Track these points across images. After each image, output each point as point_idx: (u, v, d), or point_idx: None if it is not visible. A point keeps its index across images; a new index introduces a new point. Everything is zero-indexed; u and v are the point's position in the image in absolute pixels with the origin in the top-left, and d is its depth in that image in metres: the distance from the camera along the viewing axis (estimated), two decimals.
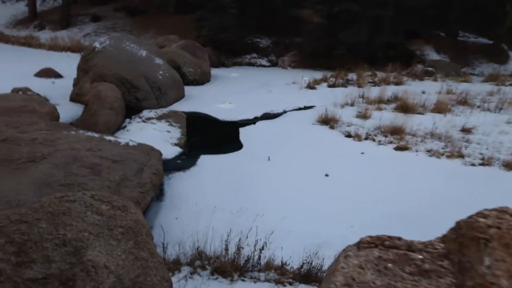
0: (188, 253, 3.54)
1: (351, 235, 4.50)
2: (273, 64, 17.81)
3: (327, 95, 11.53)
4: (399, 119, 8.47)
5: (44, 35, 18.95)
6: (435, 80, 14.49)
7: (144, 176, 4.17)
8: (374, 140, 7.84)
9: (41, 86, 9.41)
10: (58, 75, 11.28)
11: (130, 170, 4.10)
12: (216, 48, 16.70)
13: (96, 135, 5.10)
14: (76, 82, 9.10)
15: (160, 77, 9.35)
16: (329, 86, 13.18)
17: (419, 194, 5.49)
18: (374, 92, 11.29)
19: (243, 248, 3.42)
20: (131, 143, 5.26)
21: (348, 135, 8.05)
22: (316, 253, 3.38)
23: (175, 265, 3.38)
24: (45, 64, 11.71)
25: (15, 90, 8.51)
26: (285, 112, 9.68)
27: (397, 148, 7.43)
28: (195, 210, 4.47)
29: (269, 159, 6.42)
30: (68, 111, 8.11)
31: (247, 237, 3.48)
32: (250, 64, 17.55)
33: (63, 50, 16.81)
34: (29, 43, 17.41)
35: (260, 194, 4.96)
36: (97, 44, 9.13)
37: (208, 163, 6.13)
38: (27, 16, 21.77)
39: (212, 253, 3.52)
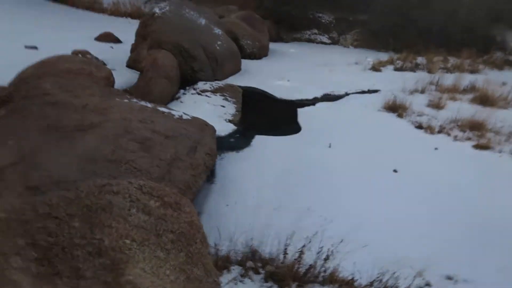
0: (239, 250, 3.11)
1: (427, 251, 3.85)
2: (334, 42, 16.75)
3: (394, 79, 10.57)
4: (480, 112, 7.45)
5: (107, 0, 19.11)
6: None
7: (197, 157, 3.75)
8: (449, 134, 6.94)
9: (100, 50, 9.33)
10: (117, 40, 11.20)
11: (182, 148, 3.70)
12: (276, 21, 15.93)
13: (149, 105, 4.76)
14: (134, 48, 8.89)
15: (218, 47, 8.89)
16: (396, 69, 12.15)
17: (507, 207, 4.65)
18: (447, 79, 10.18)
19: (303, 254, 2.92)
20: (184, 117, 4.87)
21: (419, 126, 7.20)
22: (394, 273, 2.81)
23: (224, 263, 2.96)
24: (105, 29, 11.66)
25: (75, 52, 8.46)
26: (347, 94, 8.93)
27: (476, 146, 6.52)
28: (249, 200, 4.02)
29: (330, 147, 5.81)
30: (124, 77, 7.93)
31: (310, 241, 2.97)
32: (309, 41, 16.61)
33: (124, 16, 16.86)
34: (92, 7, 17.62)
35: (321, 189, 4.37)
36: (156, 10, 8.79)
37: (264, 145, 5.63)
38: None
39: (267, 254, 3.06)
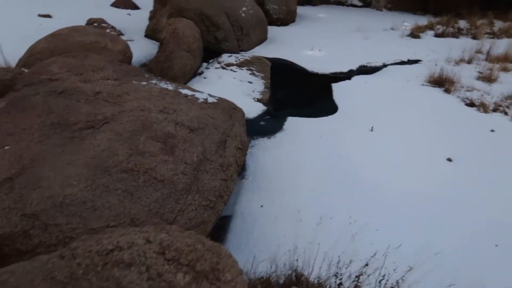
0: (280, 271, 2.61)
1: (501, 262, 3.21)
2: (366, 4, 15.48)
3: (435, 47, 9.60)
4: None
5: None
6: None
7: (227, 154, 3.20)
8: (506, 113, 6.12)
9: (116, 18, 8.73)
10: (135, 6, 10.52)
11: (210, 143, 3.15)
12: None
13: (170, 87, 4.18)
14: (152, 16, 8.23)
15: (243, 14, 8.09)
16: (436, 35, 11.08)
17: None
18: (497, 47, 9.11)
19: (360, 283, 2.40)
20: (210, 99, 4.29)
21: (470, 104, 6.37)
22: None
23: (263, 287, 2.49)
24: None
25: (91, 22, 7.90)
26: (385, 66, 8.07)
27: None
28: (286, 199, 3.48)
29: (372, 130, 5.15)
30: (142, 48, 7.35)
31: (367, 264, 2.44)
32: (339, 3, 15.42)
33: None
34: None
35: (371, 191, 3.69)
36: None
37: (298, 129, 5.01)
38: None
39: (314, 279, 2.55)
